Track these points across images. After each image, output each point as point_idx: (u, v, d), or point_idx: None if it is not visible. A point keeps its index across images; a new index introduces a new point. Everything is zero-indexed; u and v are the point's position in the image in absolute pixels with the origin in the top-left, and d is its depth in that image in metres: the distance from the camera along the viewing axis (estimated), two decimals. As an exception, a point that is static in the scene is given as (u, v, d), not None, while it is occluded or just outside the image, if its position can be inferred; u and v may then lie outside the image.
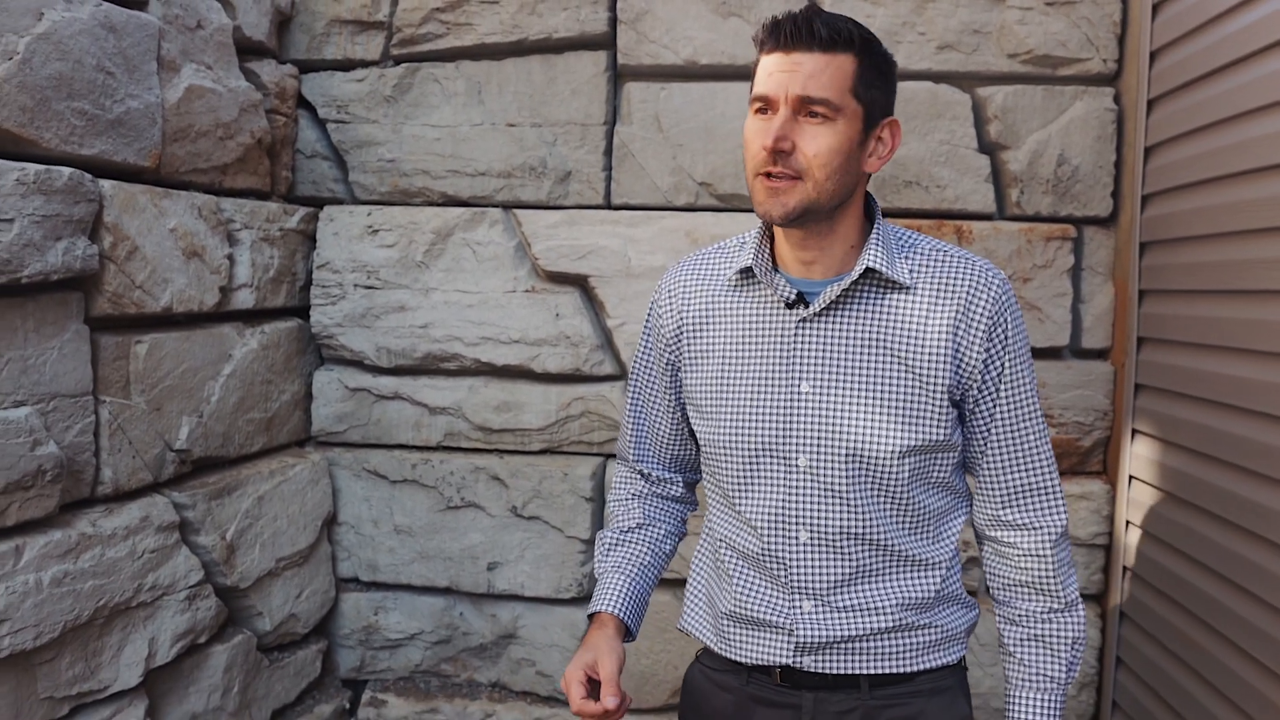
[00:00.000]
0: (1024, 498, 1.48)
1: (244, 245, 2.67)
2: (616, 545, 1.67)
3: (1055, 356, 2.71)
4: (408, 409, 2.96)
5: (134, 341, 2.26)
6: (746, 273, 1.49)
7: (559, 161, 2.87)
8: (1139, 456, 2.52)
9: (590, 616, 1.60)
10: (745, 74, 2.78)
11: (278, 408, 2.84)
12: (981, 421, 1.45)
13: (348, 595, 3.03)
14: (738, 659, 1.53)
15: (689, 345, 1.55)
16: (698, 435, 1.57)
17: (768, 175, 1.35)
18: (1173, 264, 2.38)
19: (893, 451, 1.39)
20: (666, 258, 2.79)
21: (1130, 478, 2.57)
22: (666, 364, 1.61)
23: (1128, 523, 2.57)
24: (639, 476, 1.74)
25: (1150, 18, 2.49)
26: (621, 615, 1.57)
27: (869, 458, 1.40)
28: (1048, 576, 1.48)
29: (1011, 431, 1.46)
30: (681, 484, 1.74)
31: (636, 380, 1.70)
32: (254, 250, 2.71)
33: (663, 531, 1.71)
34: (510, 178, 2.90)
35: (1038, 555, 1.47)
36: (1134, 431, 2.55)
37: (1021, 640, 1.51)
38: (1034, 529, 1.48)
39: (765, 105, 1.36)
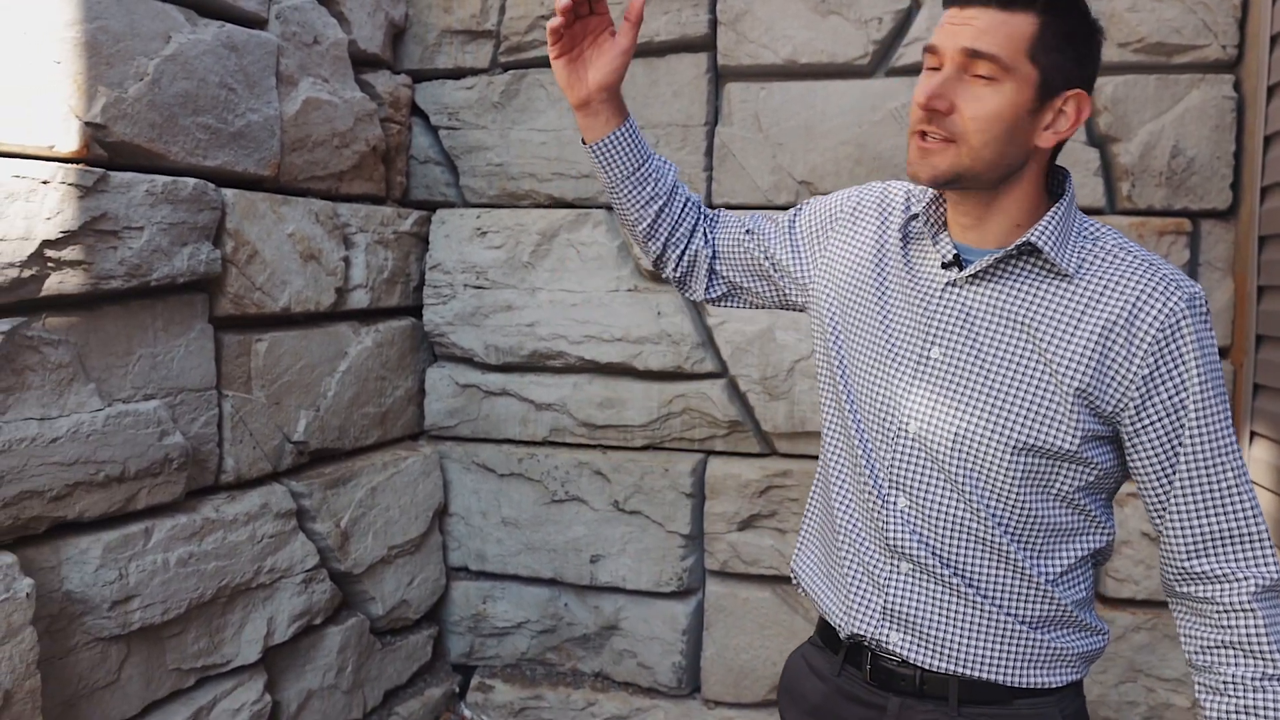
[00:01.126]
0: (1219, 545, 1.26)
1: (359, 248, 2.80)
2: None
3: (1171, 355, 2.61)
4: (515, 405, 3.06)
5: (254, 339, 2.42)
6: (915, 220, 1.42)
7: (660, 162, 2.91)
8: (1257, 460, 2.40)
9: None
10: (844, 72, 2.76)
11: (391, 402, 2.97)
12: (1157, 456, 1.27)
13: (458, 584, 3.15)
14: (830, 621, 1.47)
15: (835, 242, 1.51)
16: (814, 344, 1.52)
17: (921, 135, 1.27)
18: (1295, 258, 2.26)
19: (1003, 445, 1.29)
20: (765, 256, 2.80)
21: (1249, 482, 2.45)
22: (803, 224, 1.57)
23: (1247, 530, 2.45)
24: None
25: (1272, 0, 2.37)
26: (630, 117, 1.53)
27: (975, 444, 1.31)
28: (1257, 635, 1.24)
29: (1201, 469, 1.26)
30: (708, 223, 1.65)
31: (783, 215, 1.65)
32: (369, 253, 2.84)
33: (682, 197, 1.63)
34: (613, 179, 2.96)
35: (1242, 610, 1.25)
36: (1252, 434, 2.43)
37: (1229, 713, 1.26)
38: (1233, 580, 1.25)
39: (933, 59, 1.28)
